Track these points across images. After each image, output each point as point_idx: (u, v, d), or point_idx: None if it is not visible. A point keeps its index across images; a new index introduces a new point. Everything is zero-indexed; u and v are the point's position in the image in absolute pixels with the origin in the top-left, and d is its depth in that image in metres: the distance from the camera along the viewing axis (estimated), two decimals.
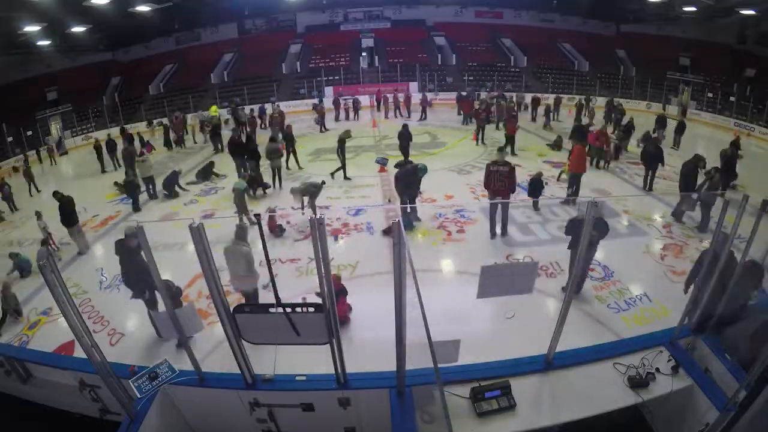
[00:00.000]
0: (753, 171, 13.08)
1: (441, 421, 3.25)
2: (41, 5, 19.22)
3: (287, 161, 14.86)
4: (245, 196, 10.72)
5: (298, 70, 31.77)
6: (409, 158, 12.79)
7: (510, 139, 15.79)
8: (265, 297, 6.65)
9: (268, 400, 3.64)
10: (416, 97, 25.45)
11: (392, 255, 2.86)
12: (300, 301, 3.36)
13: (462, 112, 23.12)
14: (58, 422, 4.29)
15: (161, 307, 3.52)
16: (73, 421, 4.23)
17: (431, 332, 2.77)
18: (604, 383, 3.53)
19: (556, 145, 16.69)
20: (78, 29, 25.21)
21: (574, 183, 10.95)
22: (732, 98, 23.23)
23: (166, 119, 24.02)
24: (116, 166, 17.38)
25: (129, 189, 12.49)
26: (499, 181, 9.18)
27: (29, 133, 22.77)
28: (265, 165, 13.43)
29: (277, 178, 13.21)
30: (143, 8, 24.92)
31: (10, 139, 21.86)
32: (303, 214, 10.45)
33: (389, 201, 11.90)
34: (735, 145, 12.67)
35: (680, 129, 16.84)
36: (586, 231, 3.29)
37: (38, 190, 15.44)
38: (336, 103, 25.29)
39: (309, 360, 3.67)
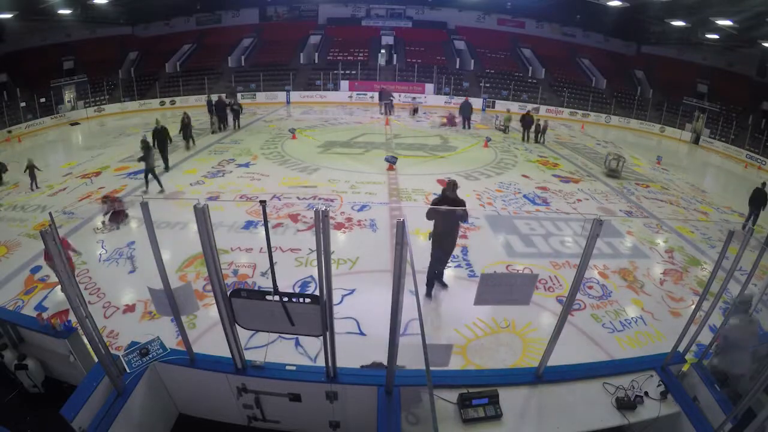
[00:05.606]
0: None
1: (426, 423, 3.24)
2: None
3: None
4: None
5: (316, 62, 31.71)
6: None
7: None
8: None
9: (256, 386, 3.64)
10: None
11: (392, 254, 2.85)
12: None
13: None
14: (47, 387, 4.32)
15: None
16: (61, 388, 4.25)
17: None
18: (592, 402, 3.52)
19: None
20: (101, 0, 25.23)
21: None
22: (746, 129, 23.10)
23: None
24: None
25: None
26: None
27: (42, 99, 22.85)
28: None
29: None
30: None
31: (23, 104, 21.92)
32: None
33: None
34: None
35: None
36: (590, 245, 3.27)
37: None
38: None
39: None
